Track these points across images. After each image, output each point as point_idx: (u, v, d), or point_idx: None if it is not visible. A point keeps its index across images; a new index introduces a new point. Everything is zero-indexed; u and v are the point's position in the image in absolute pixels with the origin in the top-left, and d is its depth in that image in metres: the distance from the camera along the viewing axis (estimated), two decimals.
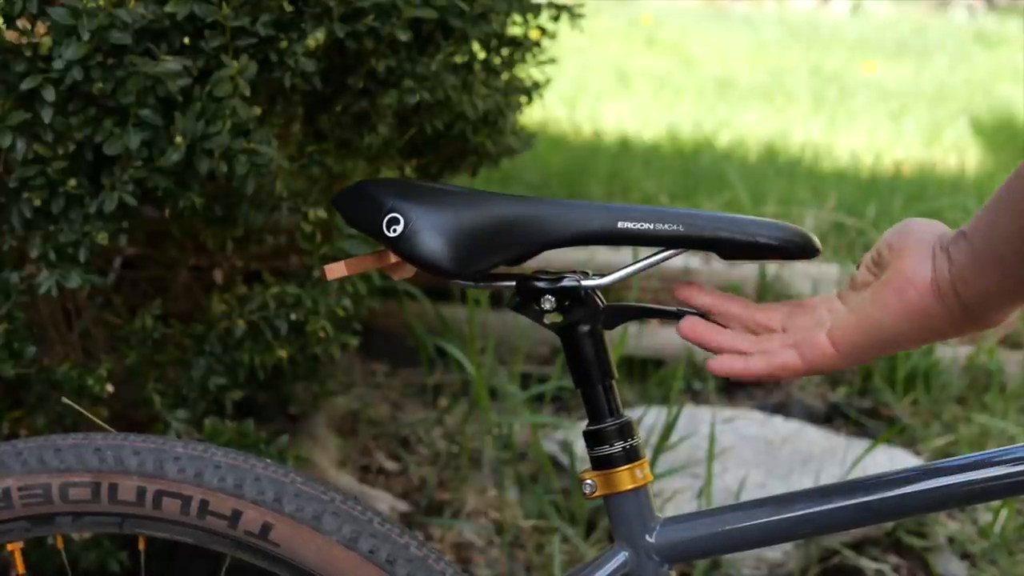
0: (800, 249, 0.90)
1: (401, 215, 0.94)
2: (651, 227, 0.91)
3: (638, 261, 0.93)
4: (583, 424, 0.98)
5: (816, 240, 0.91)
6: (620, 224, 0.92)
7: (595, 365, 0.96)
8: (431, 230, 0.93)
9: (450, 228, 0.93)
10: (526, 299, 0.95)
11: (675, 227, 0.91)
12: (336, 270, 0.96)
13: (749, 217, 0.91)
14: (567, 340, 0.96)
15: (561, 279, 0.94)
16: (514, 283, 0.96)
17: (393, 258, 0.97)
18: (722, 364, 0.91)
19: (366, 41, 1.42)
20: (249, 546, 0.96)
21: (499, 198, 0.96)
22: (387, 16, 1.41)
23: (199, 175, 1.35)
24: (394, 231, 0.94)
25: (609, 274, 0.94)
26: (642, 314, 0.97)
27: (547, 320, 0.95)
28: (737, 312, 0.92)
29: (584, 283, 0.94)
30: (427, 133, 1.72)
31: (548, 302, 0.95)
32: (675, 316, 0.95)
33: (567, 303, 0.94)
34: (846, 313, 0.86)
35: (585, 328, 0.95)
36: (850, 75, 7.64)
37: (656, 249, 0.93)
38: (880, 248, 0.87)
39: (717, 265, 3.05)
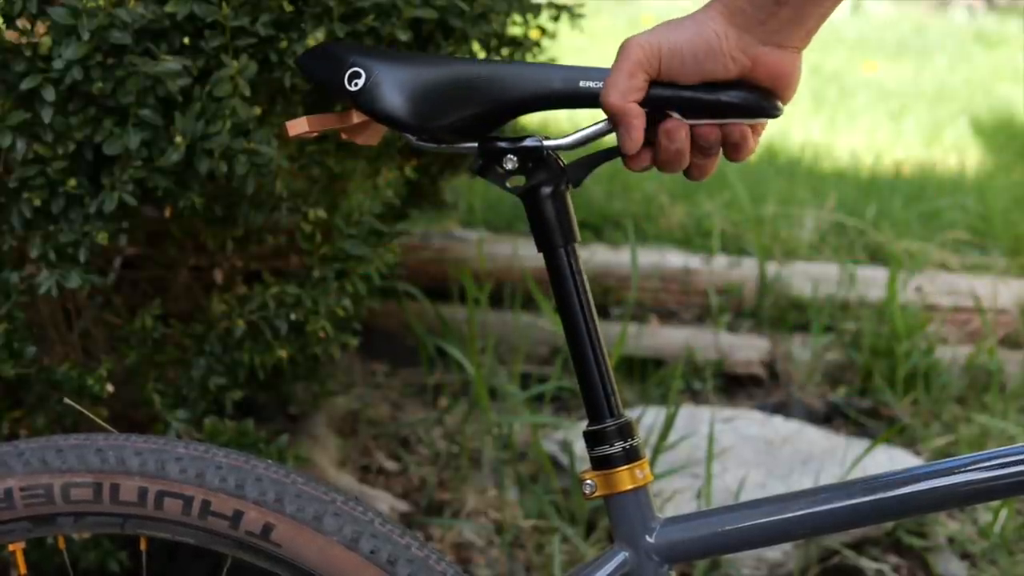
0: (760, 107, 0.90)
1: (363, 69, 0.94)
2: None
3: (602, 120, 0.92)
4: (583, 424, 0.98)
5: (779, 103, 0.91)
6: (582, 83, 0.92)
7: (557, 228, 0.95)
8: (392, 83, 0.93)
9: (412, 82, 0.93)
10: (488, 161, 0.95)
11: None
12: (298, 126, 0.96)
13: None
14: (530, 203, 0.95)
15: (523, 139, 0.94)
16: (476, 144, 0.95)
17: (356, 117, 0.97)
18: None
19: (366, 41, 1.42)
20: (250, 546, 0.96)
21: (463, 60, 0.97)
22: (387, 16, 1.41)
23: (199, 175, 1.35)
24: (355, 84, 0.94)
25: (571, 134, 0.93)
26: (601, 158, 0.95)
27: (509, 183, 0.95)
28: None
29: (546, 143, 0.94)
30: None
31: (511, 162, 0.94)
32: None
33: (529, 164, 0.94)
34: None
35: (548, 189, 0.94)
36: (850, 75, 7.64)
37: None
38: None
39: (717, 266, 3.05)
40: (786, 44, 0.88)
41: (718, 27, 0.87)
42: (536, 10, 1.74)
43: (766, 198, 3.65)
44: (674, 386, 2.19)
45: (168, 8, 1.27)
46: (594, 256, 2.98)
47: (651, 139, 0.91)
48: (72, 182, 1.31)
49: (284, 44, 1.35)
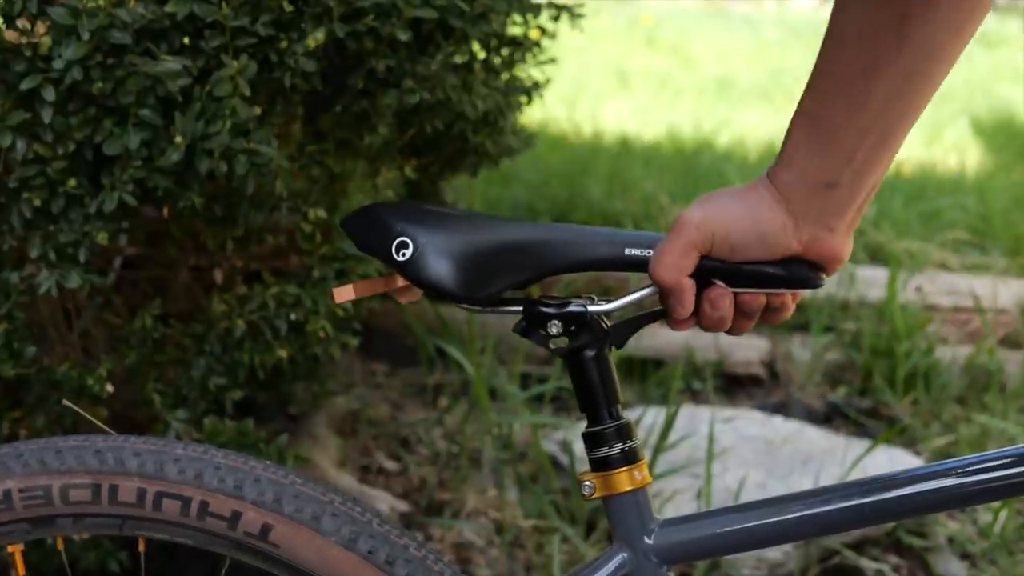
0: (805, 280, 0.91)
1: (410, 239, 0.94)
2: None
3: (645, 287, 0.93)
4: (583, 424, 0.98)
5: (821, 273, 0.91)
6: (627, 251, 0.93)
7: (600, 390, 0.96)
8: (440, 254, 0.93)
9: (459, 253, 0.93)
10: (532, 324, 0.96)
11: None
12: (345, 293, 0.97)
13: None
14: (573, 364, 0.96)
15: (567, 304, 0.95)
16: (521, 308, 0.96)
17: (401, 281, 0.97)
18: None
19: (366, 41, 1.42)
20: (249, 547, 0.96)
21: (507, 223, 0.96)
22: (387, 16, 1.41)
23: (199, 175, 1.35)
24: (403, 255, 0.94)
25: (615, 299, 0.95)
26: (645, 321, 0.97)
27: (553, 345, 0.96)
28: None
29: (590, 308, 0.95)
30: (427, 133, 1.72)
31: (554, 327, 0.95)
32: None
33: (573, 328, 0.95)
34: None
35: (591, 353, 0.96)
36: None
37: None
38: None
39: None
40: (836, 227, 0.87)
41: (773, 214, 0.86)
42: (536, 10, 1.74)
43: None
44: (674, 386, 2.19)
45: (168, 8, 1.27)
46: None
47: (695, 303, 0.92)
48: (72, 182, 1.31)
49: (284, 44, 1.35)
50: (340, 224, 1.00)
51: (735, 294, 0.91)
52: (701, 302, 0.91)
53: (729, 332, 0.94)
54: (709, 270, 0.90)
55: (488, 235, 0.95)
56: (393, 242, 0.95)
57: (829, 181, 0.84)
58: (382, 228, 0.96)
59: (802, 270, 0.90)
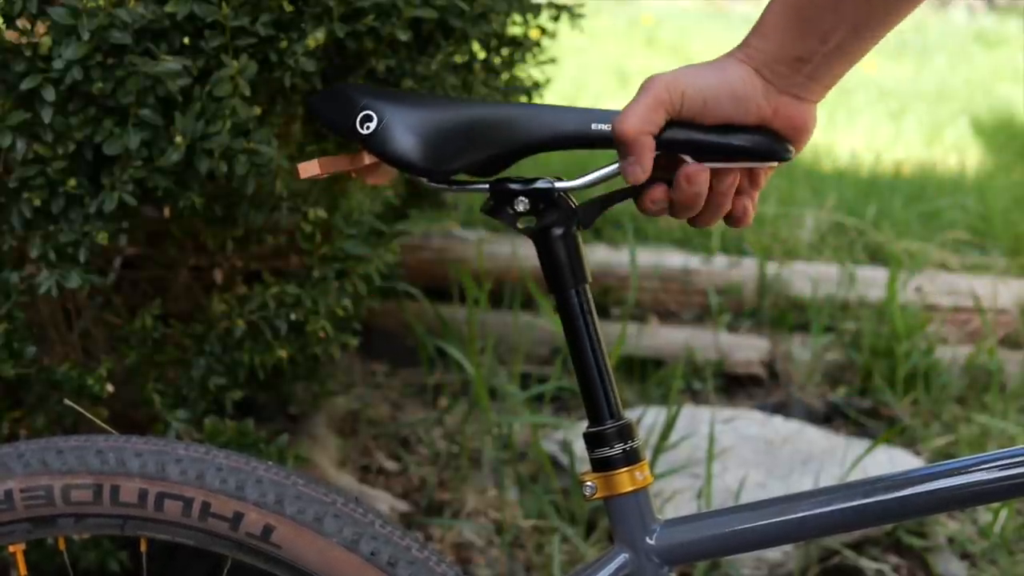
0: (774, 151, 0.91)
1: (375, 112, 0.94)
2: None
3: (614, 162, 0.93)
4: (583, 424, 0.98)
5: (789, 145, 0.91)
6: (594, 126, 0.92)
7: (568, 269, 0.95)
8: (404, 127, 0.93)
9: (424, 126, 0.93)
10: (500, 202, 0.95)
11: None
12: (310, 168, 0.96)
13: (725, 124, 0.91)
14: (541, 244, 0.96)
15: (534, 181, 0.95)
16: (487, 185, 0.96)
17: (367, 159, 0.97)
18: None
19: (366, 41, 1.42)
20: (250, 548, 0.96)
21: (474, 102, 0.97)
22: (387, 16, 1.41)
23: (199, 175, 1.35)
24: (367, 128, 0.94)
25: (582, 176, 0.94)
26: (613, 200, 0.96)
27: (520, 224, 0.95)
28: None
29: (557, 185, 0.94)
30: None
31: (522, 204, 0.95)
32: (631, 193, 0.94)
33: (541, 205, 0.94)
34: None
35: (559, 231, 0.95)
36: (850, 75, 7.63)
37: None
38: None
39: (717, 266, 3.05)
40: (805, 97, 0.91)
41: (743, 74, 0.89)
42: (536, 10, 1.74)
43: (766, 198, 3.65)
44: (674, 386, 2.19)
45: (168, 8, 1.27)
46: (594, 255, 2.98)
47: (667, 181, 0.92)
48: (72, 182, 1.31)
49: (284, 44, 1.35)
50: (307, 103, 1.00)
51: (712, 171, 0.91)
52: (677, 180, 0.91)
53: (694, 222, 0.94)
54: (678, 143, 0.90)
55: (454, 111, 0.95)
56: (358, 115, 0.94)
57: (801, 56, 0.89)
58: (347, 103, 0.95)
59: (771, 141, 0.91)
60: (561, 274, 0.96)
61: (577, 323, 0.96)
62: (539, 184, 0.94)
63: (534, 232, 0.95)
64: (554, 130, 0.93)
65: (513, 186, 0.94)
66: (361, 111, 0.94)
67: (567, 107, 0.94)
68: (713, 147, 0.90)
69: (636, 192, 0.93)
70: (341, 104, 0.96)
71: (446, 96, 0.99)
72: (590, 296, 0.96)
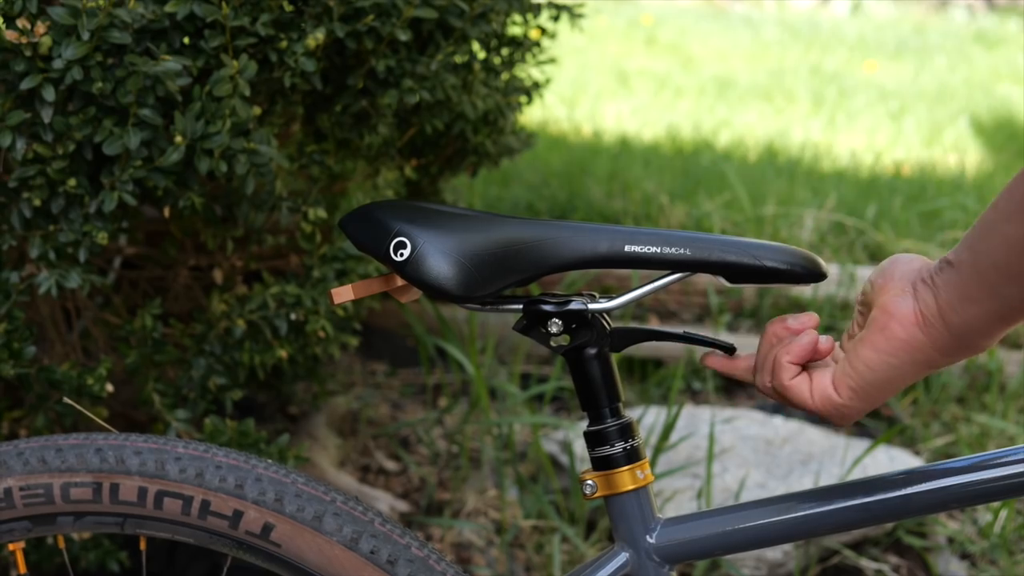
0: (807, 273, 0.91)
1: (408, 239, 0.94)
2: (658, 251, 0.92)
3: (645, 284, 0.94)
4: (583, 424, 0.98)
5: (822, 264, 0.92)
6: (627, 248, 0.93)
7: (602, 388, 0.96)
8: (438, 254, 0.93)
9: (457, 252, 0.93)
10: (533, 322, 0.96)
11: (682, 251, 0.92)
12: (343, 294, 0.97)
13: (756, 241, 0.92)
14: (574, 363, 0.96)
15: (568, 302, 0.95)
16: (521, 306, 0.96)
17: (400, 281, 0.97)
18: (713, 361, 0.96)
19: (366, 41, 1.42)
20: (250, 546, 0.96)
21: (506, 221, 0.96)
22: (387, 16, 1.41)
23: (199, 175, 1.35)
24: (401, 255, 0.94)
25: (616, 297, 0.95)
26: (649, 337, 0.97)
27: (554, 343, 0.96)
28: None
29: (591, 306, 0.95)
30: (427, 133, 1.72)
31: (555, 325, 0.95)
32: (681, 339, 0.95)
33: (574, 326, 0.95)
34: (843, 359, 0.87)
35: (592, 351, 0.95)
36: (850, 75, 7.64)
37: (663, 272, 0.93)
38: (865, 289, 0.87)
39: None
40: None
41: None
42: (536, 10, 1.74)
43: (766, 198, 3.65)
44: (674, 386, 2.19)
45: (168, 8, 1.27)
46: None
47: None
48: (72, 182, 1.31)
49: (284, 44, 1.35)
50: (339, 224, 1.00)
51: None
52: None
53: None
54: None
55: (487, 234, 0.95)
56: (391, 242, 0.94)
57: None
58: (380, 228, 0.95)
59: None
60: (595, 394, 0.96)
61: (612, 443, 0.96)
62: (573, 305, 0.95)
63: (567, 351, 0.96)
64: (587, 252, 0.93)
65: (547, 308, 0.95)
66: (394, 238, 0.94)
67: (601, 226, 0.94)
68: None
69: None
70: (373, 228, 0.96)
71: (478, 213, 0.98)
72: (624, 414, 0.97)
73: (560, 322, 0.95)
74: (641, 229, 0.93)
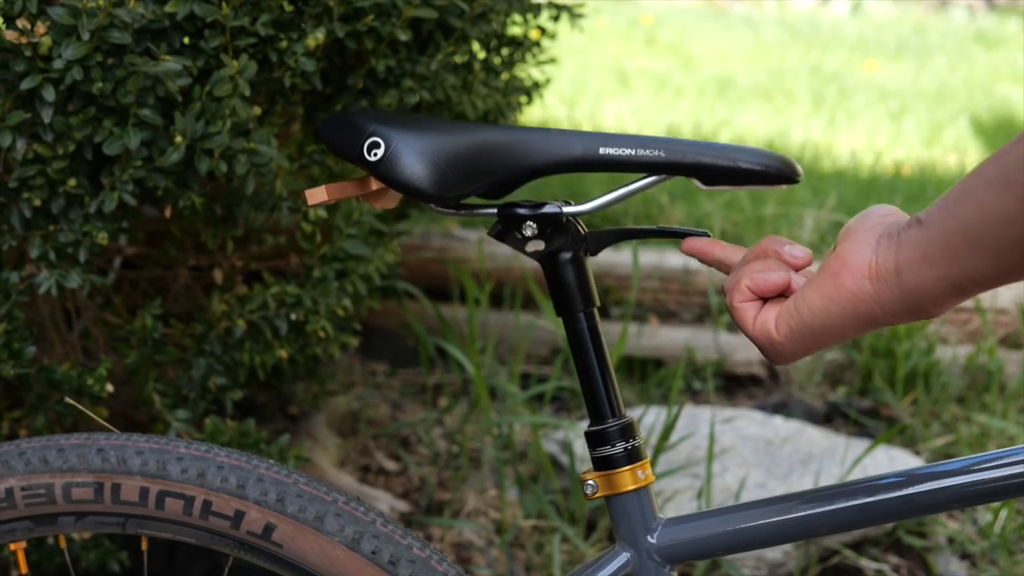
0: (780, 174, 0.90)
1: (382, 139, 0.94)
2: (632, 152, 0.91)
3: (620, 187, 0.93)
4: (583, 424, 0.98)
5: (798, 166, 0.91)
6: (602, 150, 0.92)
7: (577, 293, 0.96)
8: (412, 154, 0.93)
9: (431, 152, 0.93)
10: (508, 226, 0.95)
11: (656, 152, 0.91)
12: (317, 195, 0.96)
13: (731, 144, 0.91)
14: (549, 268, 0.96)
15: (542, 205, 0.95)
16: (495, 210, 0.96)
17: (374, 184, 0.97)
18: (692, 245, 0.94)
19: (366, 41, 1.42)
20: (252, 547, 0.96)
21: (481, 126, 0.96)
22: (387, 16, 1.41)
23: (199, 175, 1.35)
24: (375, 155, 0.94)
25: (590, 201, 0.94)
26: (625, 236, 0.97)
27: (529, 248, 0.95)
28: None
29: (565, 209, 0.94)
30: None
31: (530, 228, 0.95)
32: (658, 235, 0.95)
33: (549, 230, 0.95)
34: (791, 297, 0.86)
35: (567, 255, 0.95)
36: (850, 75, 7.64)
37: (638, 176, 0.93)
38: (840, 235, 0.86)
39: None
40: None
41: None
42: (536, 10, 1.74)
43: (766, 198, 3.65)
44: (675, 386, 2.19)
45: (168, 8, 1.27)
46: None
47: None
48: (72, 182, 1.31)
49: (284, 44, 1.35)
50: (316, 132, 1.00)
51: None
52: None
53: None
54: None
55: (461, 136, 0.94)
56: (365, 142, 0.94)
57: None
58: (354, 130, 0.95)
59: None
60: (570, 298, 0.96)
61: (585, 346, 0.96)
62: (547, 209, 0.94)
63: (542, 256, 0.95)
64: (562, 154, 0.93)
65: (521, 211, 0.94)
66: (368, 138, 0.94)
67: (575, 131, 0.94)
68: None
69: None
70: (348, 131, 0.96)
71: (453, 120, 0.98)
72: (598, 319, 0.96)
73: (535, 225, 0.94)
74: (616, 133, 0.93)
